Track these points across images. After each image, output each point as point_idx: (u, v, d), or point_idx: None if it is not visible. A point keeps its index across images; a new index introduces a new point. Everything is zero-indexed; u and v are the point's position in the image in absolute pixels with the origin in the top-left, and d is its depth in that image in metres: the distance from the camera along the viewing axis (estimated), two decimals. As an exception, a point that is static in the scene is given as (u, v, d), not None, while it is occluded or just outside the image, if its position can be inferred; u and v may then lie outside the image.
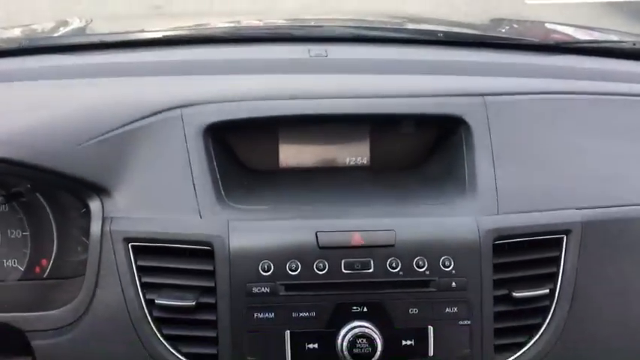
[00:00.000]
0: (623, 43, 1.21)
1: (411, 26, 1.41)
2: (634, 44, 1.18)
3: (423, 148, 1.01)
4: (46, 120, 0.89)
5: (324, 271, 0.81)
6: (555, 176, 0.91)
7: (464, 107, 0.94)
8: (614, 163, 0.95)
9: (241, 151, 0.99)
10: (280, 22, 1.47)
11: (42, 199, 0.96)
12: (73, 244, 0.97)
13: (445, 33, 1.25)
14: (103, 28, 1.43)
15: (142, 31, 1.24)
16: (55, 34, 1.32)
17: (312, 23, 1.30)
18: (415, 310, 0.82)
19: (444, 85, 0.99)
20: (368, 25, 1.31)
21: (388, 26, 1.37)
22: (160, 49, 1.13)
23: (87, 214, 0.92)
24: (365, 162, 1.02)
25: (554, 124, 0.96)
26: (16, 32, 1.30)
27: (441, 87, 0.98)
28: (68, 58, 1.08)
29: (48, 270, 0.97)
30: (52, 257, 0.97)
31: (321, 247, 0.82)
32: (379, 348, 0.80)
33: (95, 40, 1.15)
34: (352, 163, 1.03)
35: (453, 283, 0.82)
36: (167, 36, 1.18)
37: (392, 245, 0.82)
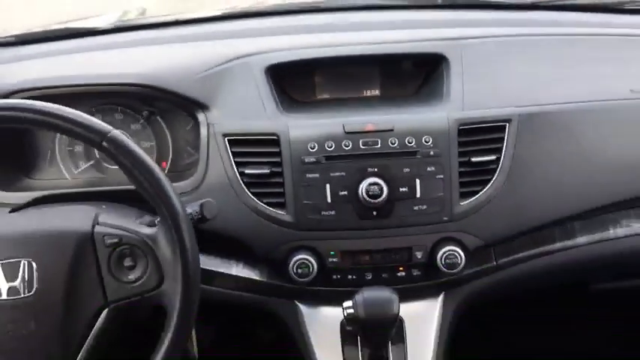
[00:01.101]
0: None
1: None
2: None
3: (418, 80, 1.44)
4: (171, 64, 1.37)
5: (349, 147, 1.25)
6: (505, 88, 1.32)
7: (446, 47, 1.37)
8: (552, 78, 1.36)
9: (288, 86, 1.43)
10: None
11: (161, 121, 1.44)
12: (182, 152, 1.43)
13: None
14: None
15: (208, 11, 1.73)
16: (134, 17, 1.81)
17: None
18: (407, 170, 1.24)
19: (434, 34, 1.43)
20: None
21: None
22: (223, 22, 1.62)
23: (193, 129, 1.40)
24: (377, 93, 1.46)
25: (511, 57, 1.38)
26: (106, 18, 1.76)
27: (431, 35, 1.43)
28: (158, 32, 1.57)
29: (167, 169, 1.45)
30: (169, 160, 1.44)
31: (346, 132, 1.25)
32: (385, 192, 1.22)
33: (170, 19, 1.64)
34: (367, 94, 1.46)
35: (432, 152, 1.24)
36: (228, 13, 1.68)
37: (392, 130, 1.25)
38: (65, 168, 1.43)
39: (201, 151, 1.32)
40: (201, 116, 1.34)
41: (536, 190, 1.30)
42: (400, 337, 1.28)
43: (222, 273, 1.32)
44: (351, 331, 1.28)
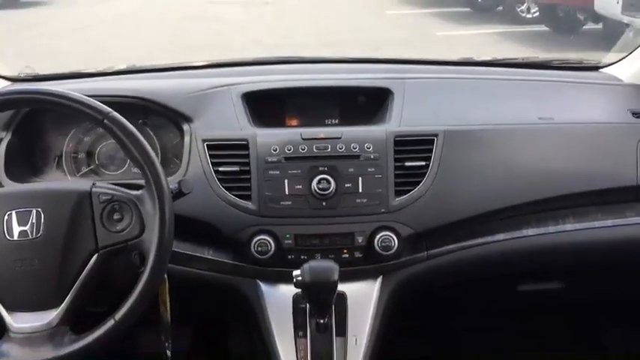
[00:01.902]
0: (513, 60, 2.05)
1: (374, 56, 2.24)
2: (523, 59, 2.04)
3: (370, 110, 1.74)
4: (166, 86, 1.69)
5: (305, 150, 1.53)
6: (436, 113, 1.64)
7: (392, 83, 1.70)
8: (475, 107, 1.68)
9: (262, 116, 1.70)
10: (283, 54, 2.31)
11: (152, 133, 1.72)
12: (169, 162, 1.70)
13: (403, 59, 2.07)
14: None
15: (205, 61, 2.08)
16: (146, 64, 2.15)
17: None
18: (352, 170, 1.51)
19: (384, 76, 1.77)
20: (338, 55, 2.14)
21: (355, 55, 2.20)
22: (209, 69, 1.96)
23: (178, 143, 1.68)
24: (336, 122, 1.76)
25: (444, 92, 1.72)
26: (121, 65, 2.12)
27: (381, 76, 1.76)
28: (154, 74, 1.91)
29: None
30: None
31: (303, 139, 1.54)
32: (333, 187, 1.49)
33: (163, 66, 1.98)
34: (328, 122, 1.77)
35: (372, 156, 1.52)
36: (214, 62, 2.02)
37: (340, 137, 1.54)
38: (68, 171, 1.70)
39: (184, 154, 1.60)
40: (186, 127, 1.63)
41: (459, 190, 1.57)
42: (343, 310, 1.51)
43: (198, 256, 1.56)
44: (301, 305, 1.51)
